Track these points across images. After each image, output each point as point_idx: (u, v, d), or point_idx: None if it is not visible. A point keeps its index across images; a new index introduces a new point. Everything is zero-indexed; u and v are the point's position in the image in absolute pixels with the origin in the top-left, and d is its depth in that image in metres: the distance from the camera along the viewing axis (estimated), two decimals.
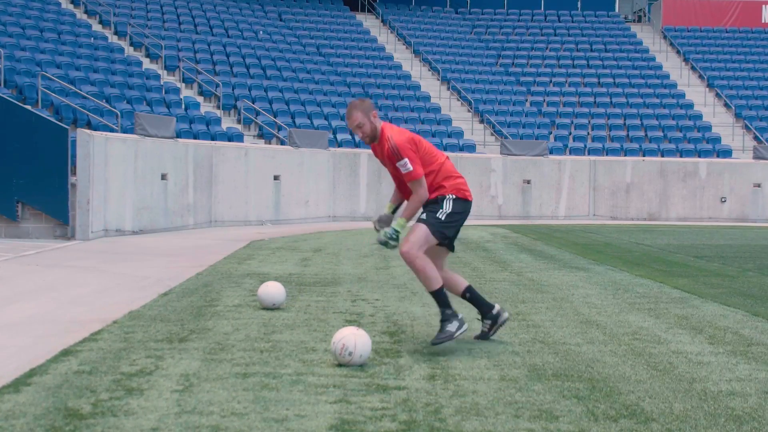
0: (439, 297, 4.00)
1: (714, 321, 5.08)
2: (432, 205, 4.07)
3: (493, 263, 8.32)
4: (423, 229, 4.01)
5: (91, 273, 7.33)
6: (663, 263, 8.53)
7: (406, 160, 3.92)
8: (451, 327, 3.97)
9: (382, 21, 26.15)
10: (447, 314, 3.99)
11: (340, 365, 3.67)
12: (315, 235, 12.27)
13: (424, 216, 4.06)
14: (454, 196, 4.06)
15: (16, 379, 3.41)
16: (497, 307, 4.31)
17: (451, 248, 4.15)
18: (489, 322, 4.28)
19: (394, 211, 4.24)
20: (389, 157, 3.97)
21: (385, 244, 4.01)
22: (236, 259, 8.37)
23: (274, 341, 4.27)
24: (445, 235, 4.06)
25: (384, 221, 4.18)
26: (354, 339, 3.63)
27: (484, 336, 4.30)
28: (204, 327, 4.64)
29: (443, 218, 4.03)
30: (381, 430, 2.80)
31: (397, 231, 4.01)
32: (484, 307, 4.27)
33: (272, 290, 5.29)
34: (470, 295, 4.22)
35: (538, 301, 5.78)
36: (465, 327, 4.04)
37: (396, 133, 3.99)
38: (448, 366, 3.76)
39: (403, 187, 4.14)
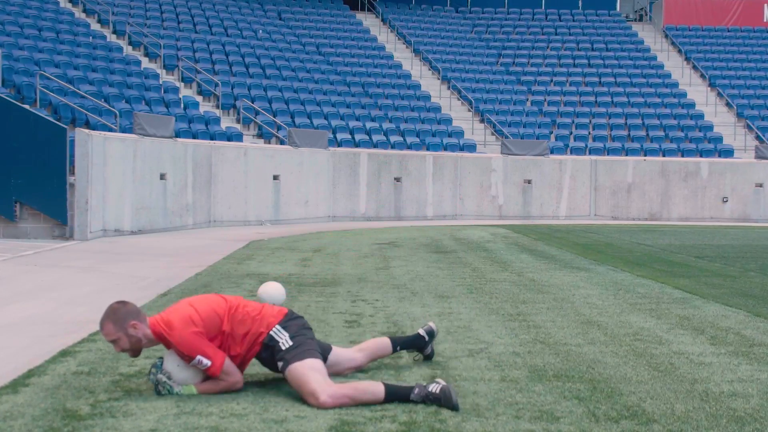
0: (394, 397, 3.17)
1: (716, 321, 5.06)
2: (269, 350, 3.34)
3: (493, 263, 8.30)
4: (296, 371, 3.21)
5: (90, 273, 7.32)
6: (664, 263, 8.52)
7: (200, 356, 3.22)
8: (417, 394, 3.16)
9: (382, 20, 26.13)
10: (413, 397, 3.16)
11: None
12: (315, 235, 12.26)
13: (280, 364, 3.30)
14: (278, 327, 3.37)
15: (15, 379, 3.40)
16: (421, 331, 3.82)
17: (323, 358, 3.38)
18: (429, 343, 3.82)
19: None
20: (182, 356, 3.26)
21: (156, 384, 3.26)
22: (235, 260, 8.35)
23: None
24: (310, 350, 3.31)
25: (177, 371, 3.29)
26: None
27: (429, 357, 3.86)
28: None
29: (293, 343, 3.32)
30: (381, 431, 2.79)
31: (171, 390, 3.25)
32: (416, 341, 3.80)
33: (272, 291, 5.27)
34: (399, 344, 3.75)
35: (538, 301, 5.76)
36: (427, 389, 3.18)
37: (175, 326, 3.24)
38: (449, 367, 3.74)
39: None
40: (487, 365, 3.78)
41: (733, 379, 3.61)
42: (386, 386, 3.21)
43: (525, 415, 2.99)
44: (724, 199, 18.18)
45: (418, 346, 3.83)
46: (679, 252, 9.90)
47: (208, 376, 3.31)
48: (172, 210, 12.65)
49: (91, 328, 4.53)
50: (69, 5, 20.24)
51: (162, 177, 12.43)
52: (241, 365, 3.41)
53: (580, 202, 18.01)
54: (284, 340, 3.35)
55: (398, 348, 3.78)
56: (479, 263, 8.25)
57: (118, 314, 3.27)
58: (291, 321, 3.45)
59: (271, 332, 3.37)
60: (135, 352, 3.32)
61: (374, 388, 3.20)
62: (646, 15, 28.91)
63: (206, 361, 3.25)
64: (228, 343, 3.36)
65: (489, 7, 28.14)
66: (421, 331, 3.84)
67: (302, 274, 7.14)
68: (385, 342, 3.75)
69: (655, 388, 3.40)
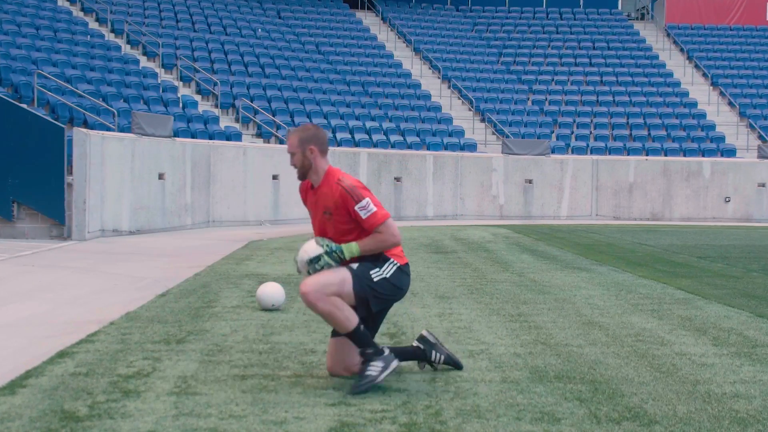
0: (356, 336, 3.27)
1: (718, 322, 5.04)
2: (370, 261, 3.36)
3: (494, 264, 8.28)
4: (343, 274, 3.28)
5: (88, 274, 7.29)
6: (666, 264, 8.50)
7: (368, 200, 3.27)
8: (373, 369, 3.27)
9: (382, 19, 26.10)
10: (368, 354, 3.30)
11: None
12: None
13: (354, 265, 3.33)
14: (398, 264, 3.38)
15: (12, 380, 3.38)
16: (415, 342, 3.67)
17: (372, 307, 3.34)
18: (431, 349, 3.63)
19: None
20: (343, 203, 3.31)
21: (316, 262, 3.31)
22: (234, 260, 8.32)
23: (273, 343, 4.23)
24: (366, 300, 3.30)
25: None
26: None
27: (446, 361, 3.65)
28: (202, 328, 4.60)
29: (376, 280, 3.32)
30: None
31: (341, 251, 3.32)
32: (416, 353, 3.64)
33: (271, 291, 5.26)
34: (398, 357, 3.47)
35: (539, 302, 5.74)
36: (394, 364, 3.33)
37: (349, 177, 3.40)
38: (449, 368, 3.72)
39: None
40: (488, 366, 3.76)
41: (736, 380, 3.59)
42: (358, 325, 3.26)
43: (526, 417, 2.98)
44: (727, 199, 18.15)
45: (421, 357, 3.64)
46: (681, 252, 9.87)
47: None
48: (170, 210, 12.62)
49: (89, 329, 4.51)
50: (67, 4, 20.20)
51: (160, 177, 12.40)
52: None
53: (581, 202, 17.99)
54: (380, 274, 3.33)
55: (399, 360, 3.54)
56: (480, 263, 8.23)
57: (307, 134, 3.46)
58: (402, 275, 3.39)
59: (391, 259, 3.35)
60: (302, 173, 3.47)
61: (352, 317, 3.26)
62: (648, 13, 28.84)
63: (372, 207, 3.30)
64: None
65: (490, 5, 28.10)
66: (415, 343, 3.67)
67: (302, 275, 7.10)
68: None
69: (657, 390, 3.38)
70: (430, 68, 23.39)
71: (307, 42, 22.72)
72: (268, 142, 16.90)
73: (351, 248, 3.34)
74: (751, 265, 8.47)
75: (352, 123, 18.56)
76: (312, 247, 3.40)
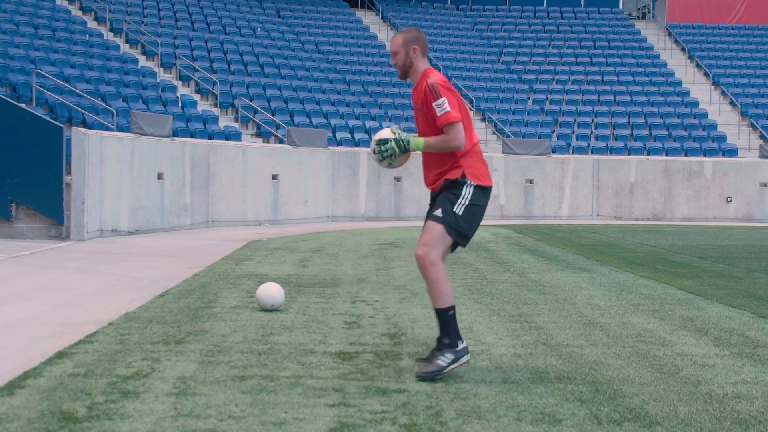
0: (444, 319, 3.44)
1: (719, 323, 5.03)
2: (448, 191, 3.51)
3: (495, 264, 8.26)
4: (437, 228, 3.46)
5: (87, 274, 7.27)
6: (668, 264, 8.48)
7: (445, 99, 3.45)
8: (442, 360, 3.42)
9: (382, 18, 26.09)
10: (443, 343, 3.45)
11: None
12: (314, 235, 12.22)
13: (438, 212, 3.48)
14: (474, 183, 3.50)
15: (10, 381, 3.36)
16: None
17: (467, 237, 3.55)
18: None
19: None
20: (425, 99, 3.51)
21: (383, 144, 3.51)
22: (234, 260, 8.30)
23: (273, 343, 4.21)
24: (464, 234, 3.50)
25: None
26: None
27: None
28: (201, 329, 4.58)
29: (461, 212, 3.47)
30: None
31: (407, 142, 3.50)
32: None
33: (270, 291, 5.24)
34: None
35: (540, 302, 5.72)
36: (464, 359, 3.47)
37: (438, 76, 3.58)
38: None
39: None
40: (489, 367, 3.74)
41: (737, 380, 3.58)
42: (453, 308, 3.45)
43: (526, 418, 2.96)
44: (728, 199, 18.13)
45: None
46: (683, 252, 9.86)
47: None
48: (169, 210, 12.60)
49: (88, 329, 4.49)
50: (65, 3, 20.18)
51: (159, 176, 12.38)
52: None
53: (582, 201, 17.97)
54: (461, 203, 3.50)
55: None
56: (480, 264, 8.21)
57: (410, 34, 3.64)
58: (480, 192, 3.55)
59: (467, 181, 3.53)
60: (403, 71, 3.65)
61: (450, 296, 3.45)
62: (649, 12, 28.81)
63: (447, 106, 3.46)
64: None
65: (490, 4, 28.09)
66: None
67: (301, 275, 7.10)
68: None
69: (659, 390, 3.37)
70: None
71: (306, 41, 22.71)
72: (268, 142, 16.88)
73: (417, 141, 3.54)
74: (752, 265, 8.45)
75: (351, 122, 18.54)
76: (385, 132, 3.61)
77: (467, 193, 3.50)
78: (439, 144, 3.51)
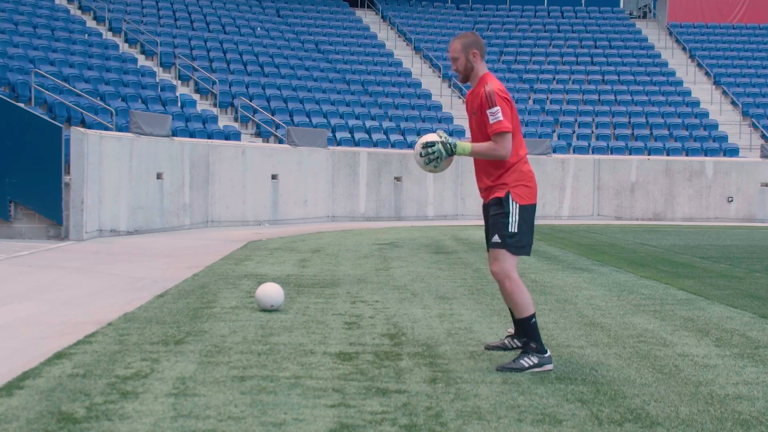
0: (526, 326, 3.64)
1: (721, 323, 5.02)
2: (497, 213, 3.66)
3: None
4: (502, 253, 3.64)
5: (85, 274, 7.26)
6: (668, 264, 8.47)
7: (499, 108, 3.55)
8: (526, 361, 3.61)
9: (382, 17, 26.07)
10: (530, 347, 3.64)
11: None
12: (314, 235, 12.20)
13: (496, 238, 3.65)
14: (518, 204, 3.65)
15: (9, 382, 3.35)
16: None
17: (528, 247, 3.75)
18: (519, 344, 3.86)
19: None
20: (480, 105, 3.60)
21: (430, 147, 3.54)
22: (233, 260, 8.29)
23: (272, 344, 4.20)
24: (525, 247, 3.70)
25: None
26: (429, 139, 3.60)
27: (498, 348, 3.93)
28: (200, 329, 4.57)
29: (515, 230, 3.64)
30: None
31: (454, 146, 3.56)
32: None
33: (270, 292, 5.23)
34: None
35: (541, 302, 5.70)
36: (548, 367, 3.62)
37: (496, 83, 3.65)
38: (450, 369, 3.70)
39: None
40: (489, 367, 3.73)
41: (739, 381, 3.57)
42: (532, 315, 3.63)
43: (527, 418, 2.95)
44: (729, 199, 18.11)
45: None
46: (684, 252, 9.84)
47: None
48: (168, 210, 12.59)
49: (87, 330, 4.48)
50: (64, 2, 20.16)
51: (159, 176, 12.36)
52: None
53: (582, 201, 17.95)
54: (512, 221, 3.62)
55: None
56: (481, 264, 8.20)
57: (468, 39, 3.71)
58: (526, 210, 3.68)
59: (510, 200, 3.65)
60: (464, 76, 3.73)
61: (529, 305, 3.63)
62: (650, 12, 28.78)
63: (500, 116, 3.55)
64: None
65: (490, 3, 28.06)
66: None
67: (301, 275, 7.09)
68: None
69: (659, 391, 3.36)
70: (430, 67, 23.36)
71: (306, 41, 22.69)
72: (267, 142, 16.86)
73: (465, 146, 3.61)
74: (754, 265, 8.44)
75: (351, 122, 18.53)
76: (432, 136, 3.65)
77: (514, 211, 3.65)
78: (486, 151, 3.61)
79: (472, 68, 3.70)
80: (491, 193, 3.72)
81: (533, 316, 3.65)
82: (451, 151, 3.59)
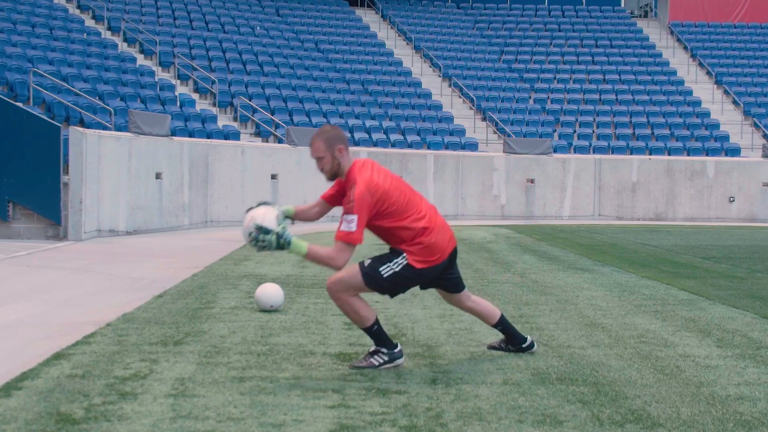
0: (371, 334, 3.60)
1: (722, 323, 5.01)
2: (385, 255, 3.57)
3: (495, 264, 8.24)
4: (355, 271, 3.52)
5: (84, 274, 7.25)
6: (670, 264, 8.45)
7: (355, 217, 3.35)
8: (376, 360, 3.62)
9: (382, 16, 26.05)
10: (380, 350, 3.63)
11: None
12: (313, 235, 12.18)
13: (367, 261, 3.55)
14: (407, 261, 3.52)
15: (7, 383, 3.34)
16: (529, 339, 3.98)
17: (390, 295, 3.63)
18: (514, 350, 3.97)
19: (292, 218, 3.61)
20: (346, 201, 3.45)
21: (265, 233, 3.24)
22: (233, 260, 8.28)
23: (272, 344, 4.19)
24: (384, 289, 3.57)
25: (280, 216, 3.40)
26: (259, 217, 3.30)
27: (497, 348, 4.00)
28: (199, 330, 4.55)
29: (386, 275, 3.52)
30: None
31: (288, 243, 3.30)
32: (515, 339, 3.94)
33: (270, 292, 5.22)
34: (502, 327, 3.92)
35: (541, 303, 5.70)
36: (399, 361, 3.63)
37: (364, 181, 3.40)
38: (450, 370, 3.69)
39: (385, 235, 3.57)
40: (489, 368, 3.72)
41: (740, 382, 3.56)
42: (372, 325, 3.56)
43: (528, 419, 2.94)
44: (731, 199, 18.09)
45: (514, 342, 3.95)
46: (685, 253, 9.82)
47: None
48: (167, 210, 12.57)
49: (86, 330, 4.46)
50: (63, 1, 20.13)
51: (158, 176, 12.35)
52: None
53: (583, 201, 17.93)
54: (391, 268, 3.51)
55: (499, 327, 3.92)
56: (481, 264, 8.19)
57: (331, 134, 3.48)
58: (414, 270, 3.54)
59: (402, 257, 3.51)
60: (331, 175, 3.52)
61: (367, 316, 3.56)
62: (651, 11, 28.73)
63: (353, 226, 3.35)
64: (374, 221, 3.47)
65: (491, 2, 28.03)
66: (530, 339, 4.01)
67: (300, 275, 7.07)
68: (495, 315, 3.91)
69: (661, 392, 3.35)
70: (430, 66, 23.33)
71: (306, 40, 22.66)
72: (267, 141, 16.85)
73: (300, 246, 3.37)
74: (755, 265, 8.42)
75: (351, 122, 18.51)
76: (270, 218, 3.32)
77: (400, 265, 3.52)
78: (321, 259, 3.40)
79: (339, 164, 3.48)
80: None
81: (372, 324, 3.59)
82: (281, 248, 3.31)
